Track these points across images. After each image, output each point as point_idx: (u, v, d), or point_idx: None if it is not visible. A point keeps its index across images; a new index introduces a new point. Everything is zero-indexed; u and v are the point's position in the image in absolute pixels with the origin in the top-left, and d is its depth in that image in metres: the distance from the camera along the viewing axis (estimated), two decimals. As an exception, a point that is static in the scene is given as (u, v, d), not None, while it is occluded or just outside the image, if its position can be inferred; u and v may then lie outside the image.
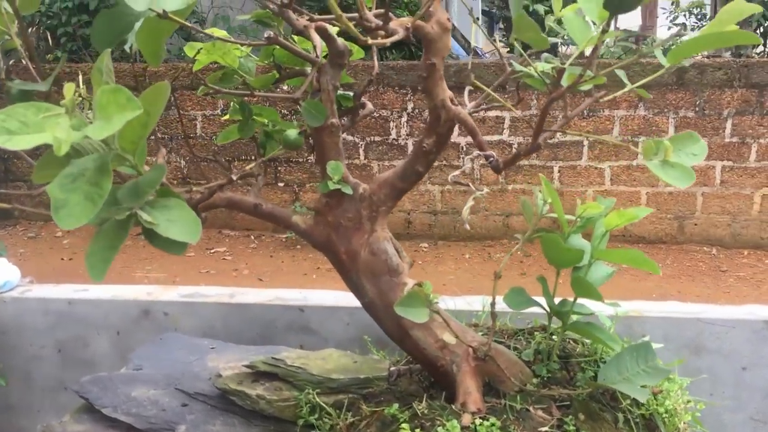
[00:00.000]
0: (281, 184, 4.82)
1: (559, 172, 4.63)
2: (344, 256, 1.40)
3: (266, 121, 1.58)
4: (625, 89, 1.25)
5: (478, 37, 9.50)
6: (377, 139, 4.69)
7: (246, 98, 1.34)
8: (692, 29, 5.57)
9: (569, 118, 1.21)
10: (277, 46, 1.40)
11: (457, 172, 1.15)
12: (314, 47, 1.27)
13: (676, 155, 1.06)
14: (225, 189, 1.32)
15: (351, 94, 1.57)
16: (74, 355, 2.17)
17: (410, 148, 4.66)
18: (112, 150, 0.89)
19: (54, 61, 5.36)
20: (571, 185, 4.63)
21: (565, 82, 1.11)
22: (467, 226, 1.17)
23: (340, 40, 1.34)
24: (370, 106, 1.58)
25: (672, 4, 5.58)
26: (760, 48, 5.02)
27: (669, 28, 5.69)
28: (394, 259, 1.39)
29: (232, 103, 1.57)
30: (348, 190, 1.37)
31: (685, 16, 5.52)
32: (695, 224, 4.57)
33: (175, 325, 2.10)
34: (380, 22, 1.09)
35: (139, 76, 4.72)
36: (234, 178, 1.15)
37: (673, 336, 1.94)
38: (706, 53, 5.36)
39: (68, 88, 0.81)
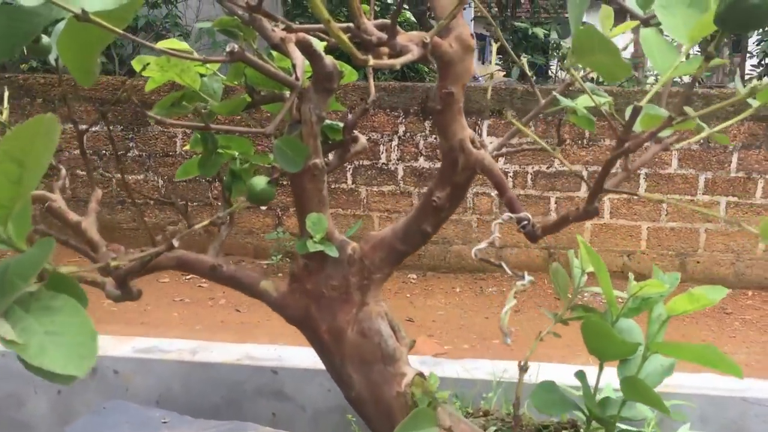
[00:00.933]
0: (263, 208, 4.47)
1: (555, 203, 4.31)
2: (326, 335, 1.07)
3: (236, 154, 1.25)
4: (703, 134, 0.94)
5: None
6: (366, 163, 4.36)
7: (206, 129, 1.00)
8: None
9: (631, 171, 0.88)
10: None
11: (482, 245, 0.82)
12: (293, 66, 0.94)
13: (811, 240, 0.74)
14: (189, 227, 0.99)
15: (340, 124, 1.25)
16: (6, 416, 1.81)
17: (401, 173, 4.34)
18: (-40, 220, 0.55)
19: (29, 71, 5.00)
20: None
21: (639, 126, 0.78)
22: (508, 341, 0.84)
23: (329, 59, 1.01)
24: (362, 140, 1.25)
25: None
26: (766, 79, 4.74)
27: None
28: (389, 342, 1.06)
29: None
30: (333, 252, 1.04)
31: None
32: (697, 262, 4.26)
33: (127, 385, 1.75)
34: (384, 36, 0.76)
35: (122, 91, 4.37)
36: (175, 243, 0.81)
37: (711, 416, 1.62)
38: (710, 83, 5.10)
39: None
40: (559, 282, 1.09)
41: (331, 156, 1.23)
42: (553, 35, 5.05)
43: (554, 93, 0.97)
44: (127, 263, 0.84)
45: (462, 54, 0.89)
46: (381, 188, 4.34)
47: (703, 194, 4.19)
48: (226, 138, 1.27)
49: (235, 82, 1.21)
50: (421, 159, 4.28)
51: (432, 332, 3.84)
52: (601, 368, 1.06)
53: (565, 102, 0.95)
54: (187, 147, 1.30)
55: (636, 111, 0.74)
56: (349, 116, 1.16)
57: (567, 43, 4.76)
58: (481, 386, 1.68)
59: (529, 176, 4.28)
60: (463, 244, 4.37)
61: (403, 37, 0.77)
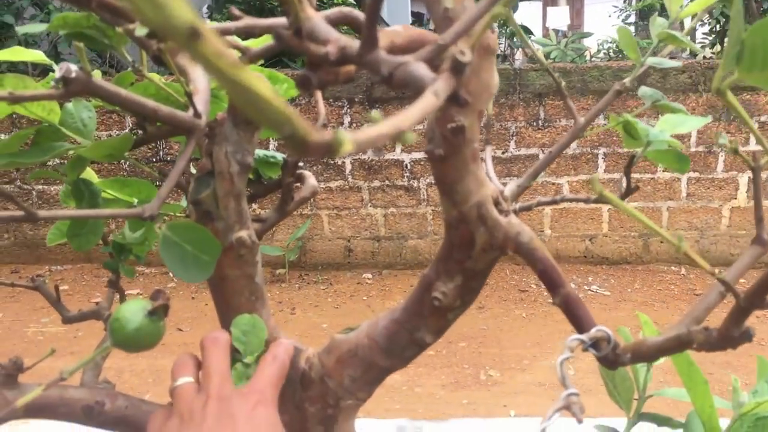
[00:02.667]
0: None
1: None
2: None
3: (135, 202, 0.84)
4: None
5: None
6: (310, 157, 3.93)
7: (30, 221, 0.58)
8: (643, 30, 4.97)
9: None
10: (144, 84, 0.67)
11: (551, 418, 0.43)
12: (188, 96, 0.54)
13: None
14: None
15: (278, 155, 0.84)
16: None
17: (349, 167, 3.92)
18: None
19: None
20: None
21: None
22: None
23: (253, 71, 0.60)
24: (312, 181, 0.84)
25: (624, 2, 5.00)
26: (718, 48, 4.48)
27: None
28: (375, 506, 0.66)
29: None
30: (278, 376, 0.64)
31: (637, 14, 4.94)
32: (661, 242, 3.99)
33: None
34: (350, 44, 0.36)
35: None
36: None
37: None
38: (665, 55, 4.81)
39: None
40: (616, 382, 0.72)
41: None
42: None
43: (625, 115, 0.58)
44: None
45: (479, 62, 0.50)
46: (328, 184, 3.93)
47: (663, 171, 3.90)
48: (114, 183, 0.86)
49: (117, 108, 0.79)
50: (370, 152, 3.87)
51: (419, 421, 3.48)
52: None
53: (665, 140, 0.56)
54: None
55: None
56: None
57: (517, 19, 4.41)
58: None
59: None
60: (419, 239, 4.00)
61: (388, 43, 0.37)
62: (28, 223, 3.94)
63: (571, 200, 0.66)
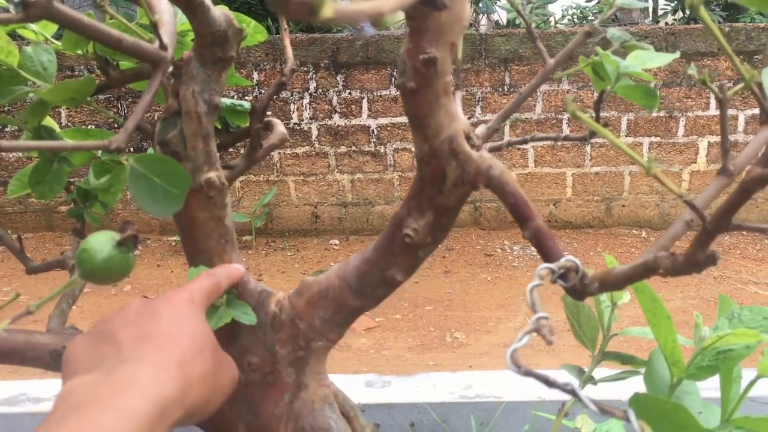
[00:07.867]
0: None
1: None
2: (247, 442, 0.67)
3: (97, 155, 0.82)
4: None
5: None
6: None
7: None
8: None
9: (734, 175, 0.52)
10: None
11: (522, 340, 0.43)
12: (153, 26, 0.52)
13: None
14: None
15: (245, 104, 0.83)
16: None
17: (315, 133, 3.89)
18: None
19: None
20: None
21: None
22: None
23: (220, 10, 0.59)
24: (280, 128, 0.83)
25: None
26: (680, 14, 4.51)
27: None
28: (346, 444, 0.67)
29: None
30: (249, 318, 0.64)
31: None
32: (623, 206, 4.05)
33: (-10, 449, 1.31)
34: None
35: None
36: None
37: None
38: (624, 21, 4.84)
39: None
40: (581, 323, 0.73)
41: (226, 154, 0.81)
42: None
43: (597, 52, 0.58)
44: None
45: (451, -9, 0.49)
46: (294, 150, 3.89)
47: (626, 136, 3.95)
48: (77, 132, 0.84)
49: (79, 51, 0.77)
50: (336, 116, 3.84)
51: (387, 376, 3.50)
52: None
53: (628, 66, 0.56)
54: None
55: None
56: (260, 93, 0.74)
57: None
58: (442, 410, 1.33)
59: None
60: (386, 204, 4.00)
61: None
62: (-14, 191, 3.84)
63: (540, 139, 0.66)
